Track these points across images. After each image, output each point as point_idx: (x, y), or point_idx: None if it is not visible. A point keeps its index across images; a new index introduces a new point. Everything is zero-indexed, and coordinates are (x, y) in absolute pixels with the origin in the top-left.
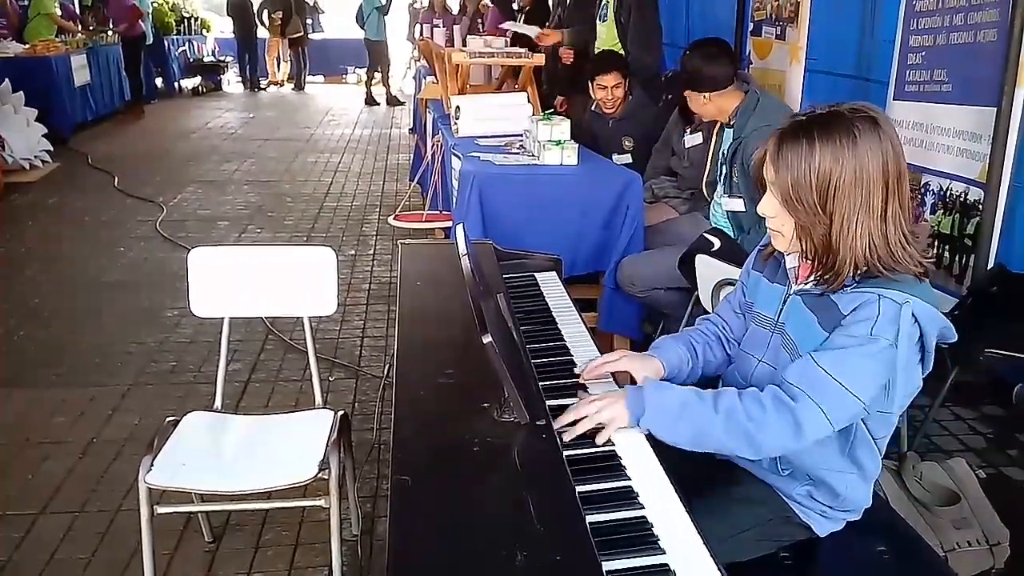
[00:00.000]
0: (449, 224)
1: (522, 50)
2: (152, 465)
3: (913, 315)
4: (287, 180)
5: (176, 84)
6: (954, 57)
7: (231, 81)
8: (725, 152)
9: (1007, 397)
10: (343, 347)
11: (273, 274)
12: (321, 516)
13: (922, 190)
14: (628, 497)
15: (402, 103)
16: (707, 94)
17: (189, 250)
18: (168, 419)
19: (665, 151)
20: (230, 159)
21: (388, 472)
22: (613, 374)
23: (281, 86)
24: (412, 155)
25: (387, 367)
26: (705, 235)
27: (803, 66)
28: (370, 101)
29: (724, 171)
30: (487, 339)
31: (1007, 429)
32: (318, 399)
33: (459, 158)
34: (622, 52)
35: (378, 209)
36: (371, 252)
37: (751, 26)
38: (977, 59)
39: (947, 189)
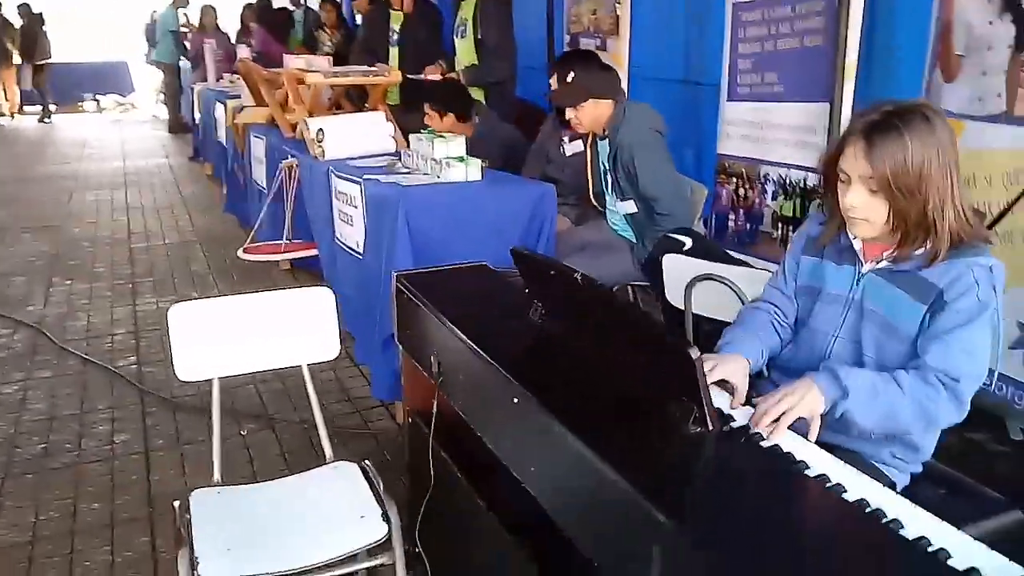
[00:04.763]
0: (312, 252)
1: (377, 68)
2: (196, 559)
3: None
4: (73, 223)
5: None
6: (783, 61)
7: None
8: (605, 162)
9: None
10: (239, 396)
11: (263, 324)
12: None
13: (762, 180)
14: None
15: (190, 130)
16: (595, 101)
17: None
18: (173, 502)
19: (540, 159)
20: None
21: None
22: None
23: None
24: (224, 185)
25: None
26: (672, 236)
27: (627, 73)
28: (175, 129)
29: (609, 179)
30: (695, 353)
31: None
32: (328, 452)
33: (355, 182)
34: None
35: (199, 245)
36: (217, 292)
37: (567, 38)
38: (805, 62)
39: (786, 177)
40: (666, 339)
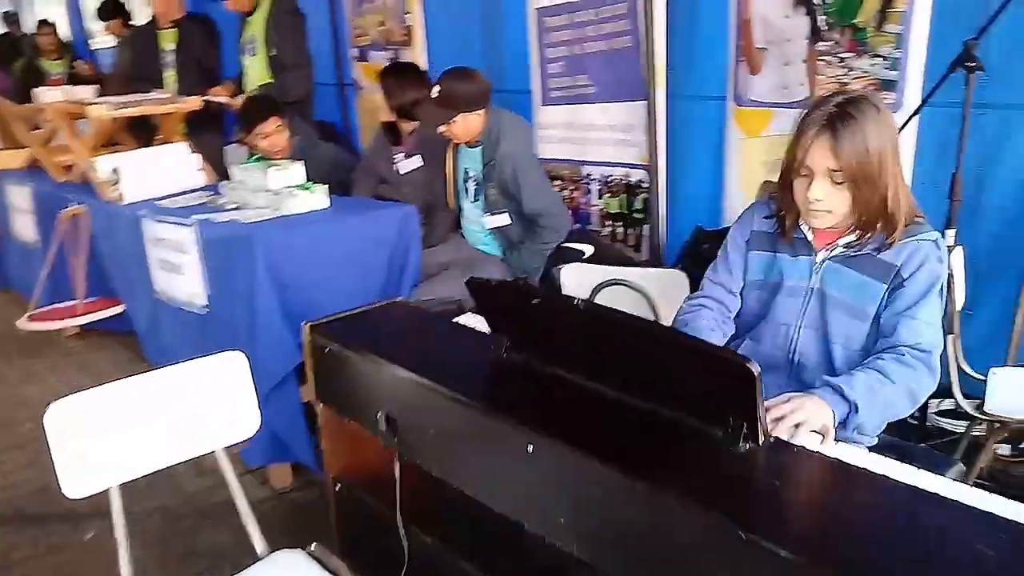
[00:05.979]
0: (117, 310)
1: (167, 95)
2: None
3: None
4: None
5: None
6: (593, 63)
7: None
8: (477, 172)
9: None
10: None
11: (161, 408)
12: None
13: (586, 180)
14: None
15: None
16: (465, 114)
17: None
18: None
19: (370, 179)
20: None
21: None
22: None
23: None
24: None
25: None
26: (569, 246)
27: None
28: None
29: (473, 190)
30: (756, 368)
31: None
32: (261, 547)
33: (184, 225)
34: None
35: None
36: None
37: (355, 52)
38: (615, 63)
39: (610, 175)
40: (720, 356)
